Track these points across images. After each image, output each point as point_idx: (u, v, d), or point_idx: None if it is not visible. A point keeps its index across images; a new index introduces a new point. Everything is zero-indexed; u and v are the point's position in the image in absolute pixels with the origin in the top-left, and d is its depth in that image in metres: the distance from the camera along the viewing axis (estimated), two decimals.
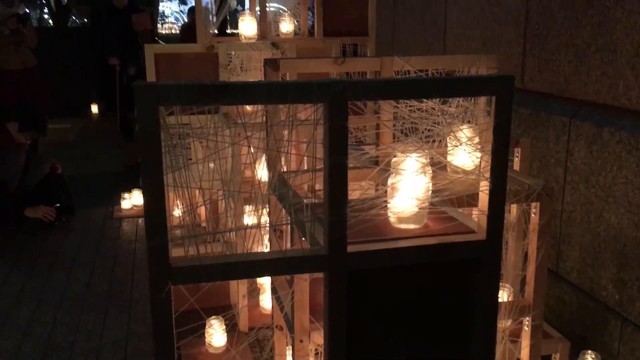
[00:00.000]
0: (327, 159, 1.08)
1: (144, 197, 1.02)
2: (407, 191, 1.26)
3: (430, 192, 1.29)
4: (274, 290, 1.75)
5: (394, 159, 1.28)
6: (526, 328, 1.80)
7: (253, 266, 1.12)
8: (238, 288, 2.69)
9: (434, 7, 3.95)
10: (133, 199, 4.52)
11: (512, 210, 1.93)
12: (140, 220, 4.25)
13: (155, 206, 1.02)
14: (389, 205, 1.29)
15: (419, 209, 1.27)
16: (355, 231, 1.20)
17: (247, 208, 2.49)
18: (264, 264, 1.12)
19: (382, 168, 1.30)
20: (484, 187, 1.19)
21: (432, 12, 3.99)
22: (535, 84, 2.83)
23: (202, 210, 2.83)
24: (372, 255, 1.16)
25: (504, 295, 1.92)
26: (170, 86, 1.00)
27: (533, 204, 1.75)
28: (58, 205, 4.26)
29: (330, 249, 1.12)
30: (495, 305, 1.25)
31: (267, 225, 1.57)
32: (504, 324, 1.79)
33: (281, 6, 4.53)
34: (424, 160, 1.26)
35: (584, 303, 2.52)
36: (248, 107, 2.47)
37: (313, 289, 1.52)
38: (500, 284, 1.52)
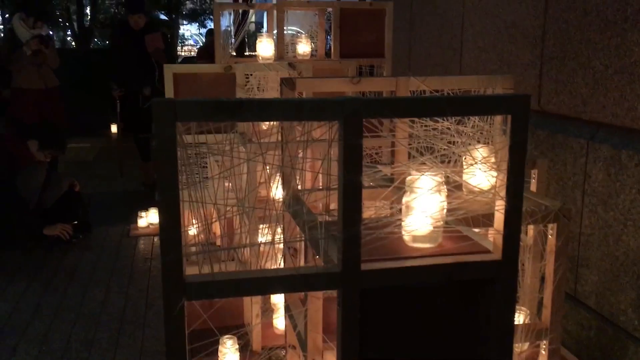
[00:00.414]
0: (342, 176, 1.08)
1: (159, 211, 1.03)
2: (421, 210, 1.25)
3: (445, 210, 1.28)
4: (287, 309, 1.74)
5: (409, 177, 1.27)
6: (543, 352, 1.77)
7: (266, 283, 1.12)
8: (251, 307, 2.68)
9: (450, 29, 3.97)
10: (149, 217, 4.55)
11: (529, 232, 1.91)
12: (156, 239, 4.27)
13: (171, 221, 1.03)
14: (403, 223, 1.29)
15: (434, 227, 1.26)
16: (369, 249, 1.19)
17: (261, 226, 2.49)
18: (278, 281, 1.12)
19: (397, 186, 1.30)
20: (500, 206, 1.18)
21: (448, 35, 4.00)
22: (552, 106, 2.82)
23: (216, 228, 2.84)
24: (386, 274, 1.16)
25: (520, 318, 1.89)
26: (187, 102, 1.01)
27: (550, 225, 1.73)
28: (76, 222, 4.30)
29: (344, 267, 1.12)
30: (511, 327, 1.23)
31: (281, 242, 1.57)
32: (520, 347, 1.77)
33: (298, 29, 4.58)
34: (439, 179, 1.26)
35: (602, 328, 2.47)
36: (263, 126, 2.49)
37: (326, 308, 1.51)
38: (517, 306, 1.50)
